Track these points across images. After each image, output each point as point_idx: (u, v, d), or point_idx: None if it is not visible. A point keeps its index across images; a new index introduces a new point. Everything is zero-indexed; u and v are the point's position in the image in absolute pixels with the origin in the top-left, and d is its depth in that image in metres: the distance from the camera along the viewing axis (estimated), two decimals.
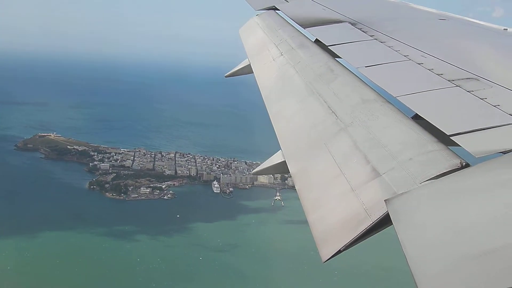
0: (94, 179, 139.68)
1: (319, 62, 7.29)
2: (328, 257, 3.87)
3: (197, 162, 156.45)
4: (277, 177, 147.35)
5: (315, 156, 5.26)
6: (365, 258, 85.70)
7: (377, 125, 4.90)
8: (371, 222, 3.79)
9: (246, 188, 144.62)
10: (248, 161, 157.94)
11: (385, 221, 3.75)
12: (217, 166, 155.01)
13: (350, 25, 8.47)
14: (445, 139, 4.15)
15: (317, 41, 8.28)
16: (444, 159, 3.85)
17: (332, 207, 4.40)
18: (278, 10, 11.26)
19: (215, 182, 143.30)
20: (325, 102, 5.98)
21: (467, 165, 3.69)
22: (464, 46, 6.98)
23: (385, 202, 3.65)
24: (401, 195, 3.71)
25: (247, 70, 9.80)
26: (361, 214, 3.94)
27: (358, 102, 5.55)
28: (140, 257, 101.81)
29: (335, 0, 10.82)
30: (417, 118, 4.72)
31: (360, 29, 8.10)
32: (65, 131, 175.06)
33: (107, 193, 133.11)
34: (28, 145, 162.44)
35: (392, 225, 3.46)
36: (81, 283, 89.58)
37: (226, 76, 11.14)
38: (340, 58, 7.15)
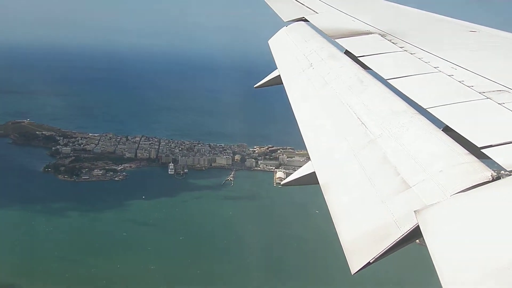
0: (51, 163, 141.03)
1: (349, 73, 7.30)
2: (358, 269, 3.85)
3: (160, 145, 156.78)
4: (237, 159, 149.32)
5: (344, 167, 5.27)
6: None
7: (407, 136, 4.90)
8: (401, 234, 3.78)
9: (202, 170, 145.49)
10: (212, 144, 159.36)
11: (415, 233, 3.73)
12: (180, 149, 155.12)
13: (379, 36, 8.48)
14: (476, 152, 4.14)
15: (347, 52, 8.30)
16: (475, 172, 3.85)
17: (362, 219, 4.40)
18: (308, 21, 11.29)
19: (170, 164, 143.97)
20: (354, 113, 5.99)
21: (498, 178, 3.68)
22: (495, 58, 6.95)
23: (415, 214, 3.66)
24: (431, 207, 3.71)
25: (277, 81, 9.78)
26: (391, 226, 3.93)
27: (388, 114, 5.54)
28: (64, 232, 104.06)
29: (365, 11, 10.84)
30: (447, 130, 4.71)
31: (389, 40, 8.10)
32: (41, 117, 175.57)
33: (59, 176, 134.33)
34: None
35: (422, 237, 3.46)
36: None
37: (255, 87, 11.14)
38: (370, 69, 7.16)
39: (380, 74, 6.70)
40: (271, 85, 10.37)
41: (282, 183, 6.97)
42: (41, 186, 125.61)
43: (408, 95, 5.67)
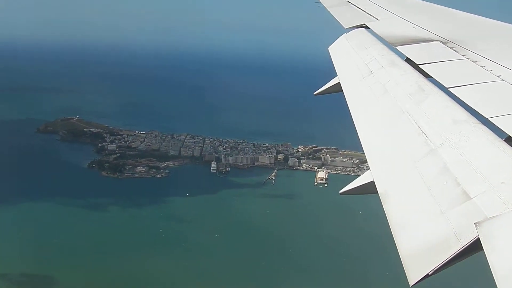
0: (96, 159, 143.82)
1: (410, 81, 7.25)
2: (416, 281, 3.84)
3: (205, 144, 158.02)
4: (280, 158, 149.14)
5: (404, 176, 5.25)
6: None
7: (468, 146, 4.84)
8: (461, 247, 3.75)
9: (245, 168, 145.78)
10: (256, 143, 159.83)
11: (475, 246, 3.69)
12: (224, 147, 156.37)
13: (441, 44, 8.38)
14: None
15: (407, 60, 8.24)
16: None
17: (421, 230, 4.37)
18: (368, 28, 11.24)
19: (213, 162, 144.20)
20: (415, 122, 5.95)
21: None
22: None
23: (475, 226, 3.62)
24: (492, 219, 3.67)
25: (337, 88, 9.75)
26: (451, 238, 3.89)
27: (449, 123, 5.49)
28: (101, 227, 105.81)
29: (426, 18, 10.70)
30: (510, 140, 4.64)
31: (451, 48, 8.00)
32: (90, 115, 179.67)
33: (103, 172, 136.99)
34: (48, 128, 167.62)
35: (482, 250, 3.43)
36: (34, 248, 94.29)
37: (315, 94, 11.13)
38: (431, 77, 7.09)
39: (441, 82, 6.63)
40: (331, 93, 10.34)
41: (340, 191, 6.94)
42: (83, 181, 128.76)
43: (469, 104, 5.61)
